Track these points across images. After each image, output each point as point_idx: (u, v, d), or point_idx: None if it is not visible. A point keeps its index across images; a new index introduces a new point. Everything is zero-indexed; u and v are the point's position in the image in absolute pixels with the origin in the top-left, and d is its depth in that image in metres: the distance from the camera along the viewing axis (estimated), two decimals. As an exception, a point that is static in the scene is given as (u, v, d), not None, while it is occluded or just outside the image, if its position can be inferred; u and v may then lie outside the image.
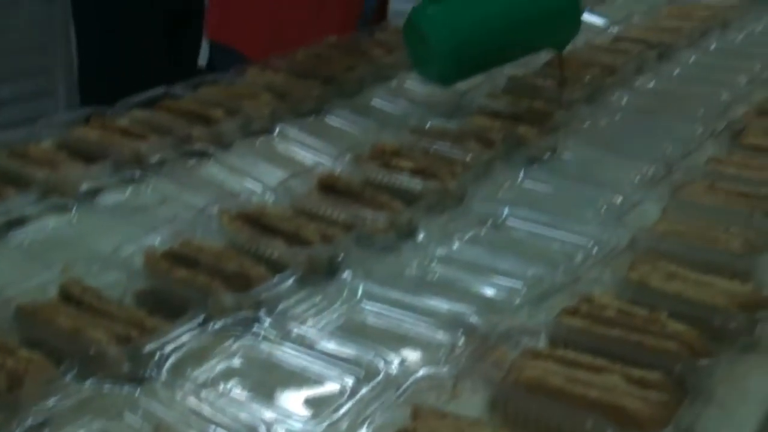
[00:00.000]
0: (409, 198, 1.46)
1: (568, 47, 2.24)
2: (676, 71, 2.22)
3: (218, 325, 1.14)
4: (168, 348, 1.08)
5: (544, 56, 2.11)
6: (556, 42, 1.94)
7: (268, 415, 1.01)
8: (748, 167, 1.63)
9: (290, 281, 1.22)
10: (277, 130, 1.75)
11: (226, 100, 1.78)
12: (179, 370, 1.07)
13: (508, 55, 1.92)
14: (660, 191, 1.55)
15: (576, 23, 1.91)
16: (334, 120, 1.84)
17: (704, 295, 1.20)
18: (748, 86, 2.09)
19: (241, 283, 1.21)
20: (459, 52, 1.79)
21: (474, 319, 1.18)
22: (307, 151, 1.69)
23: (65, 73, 3.53)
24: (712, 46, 2.43)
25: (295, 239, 1.31)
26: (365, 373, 1.07)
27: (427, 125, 1.76)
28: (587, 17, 2.63)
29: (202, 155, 1.63)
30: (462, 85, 2.00)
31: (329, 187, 1.49)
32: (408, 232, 1.40)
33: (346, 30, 2.22)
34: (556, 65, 1.96)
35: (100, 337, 1.07)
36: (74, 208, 1.43)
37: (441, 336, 1.17)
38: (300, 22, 2.19)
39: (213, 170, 1.60)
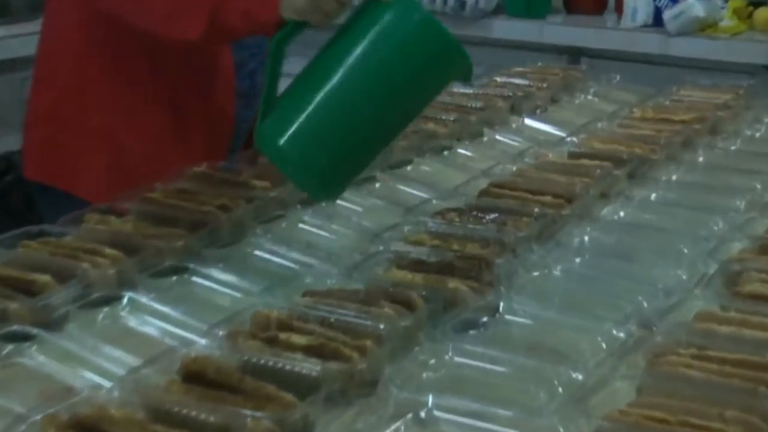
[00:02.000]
0: (303, 387, 1.48)
1: (513, 170, 2.32)
2: (653, 195, 2.31)
3: None
4: None
5: (478, 185, 2.18)
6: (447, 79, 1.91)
7: None
8: (748, 325, 1.69)
9: None
10: (126, 298, 1.78)
11: (56, 261, 1.80)
12: None
13: (392, 129, 1.89)
14: (633, 362, 1.60)
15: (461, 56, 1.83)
16: (202, 281, 1.88)
17: (692, 508, 1.24)
18: (747, 213, 2.18)
19: None
20: (315, 164, 1.80)
21: None
22: (166, 326, 1.72)
23: None
24: (699, 159, 2.54)
25: (147, 455, 1.32)
26: None
27: (328, 283, 1.80)
28: (537, 125, 2.74)
29: (23, 339, 1.64)
30: (373, 226, 2.06)
31: (196, 376, 1.51)
32: (302, 436, 1.43)
33: (213, 158, 2.27)
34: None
35: None
36: None
37: None
38: (149, 154, 2.23)
39: (38, 359, 1.61)
